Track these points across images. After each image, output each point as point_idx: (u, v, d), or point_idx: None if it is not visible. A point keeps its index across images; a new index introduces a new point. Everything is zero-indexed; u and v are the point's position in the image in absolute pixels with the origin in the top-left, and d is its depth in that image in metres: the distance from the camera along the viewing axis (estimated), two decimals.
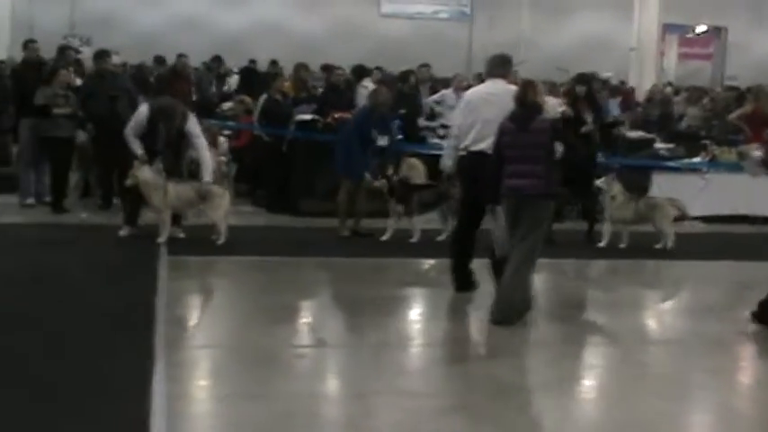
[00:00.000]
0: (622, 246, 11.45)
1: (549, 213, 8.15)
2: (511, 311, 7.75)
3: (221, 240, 10.75)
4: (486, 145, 8.27)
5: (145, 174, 10.61)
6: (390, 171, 11.72)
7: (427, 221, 11.66)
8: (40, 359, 6.50)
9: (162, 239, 10.50)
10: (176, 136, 10.85)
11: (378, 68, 17.83)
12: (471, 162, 8.51)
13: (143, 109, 10.97)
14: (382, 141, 11.58)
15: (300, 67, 16.05)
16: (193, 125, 11.02)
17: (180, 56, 16.80)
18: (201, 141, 11.00)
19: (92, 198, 13.41)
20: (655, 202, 11.86)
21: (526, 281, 7.87)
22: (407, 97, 15.64)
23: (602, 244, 11.46)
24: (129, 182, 10.69)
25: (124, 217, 11.17)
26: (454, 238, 8.99)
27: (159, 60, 20.12)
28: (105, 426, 5.35)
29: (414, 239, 11.36)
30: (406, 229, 11.49)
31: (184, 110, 11.05)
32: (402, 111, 14.96)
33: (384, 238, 11.34)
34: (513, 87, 8.29)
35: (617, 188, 11.54)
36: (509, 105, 7.99)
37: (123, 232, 10.96)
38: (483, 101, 8.52)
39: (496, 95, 8.42)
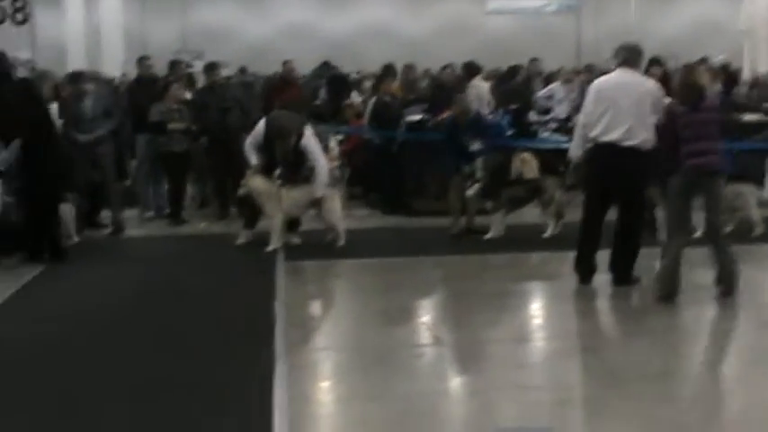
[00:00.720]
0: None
1: (723, 188, 8.47)
2: (675, 287, 8.09)
3: (341, 242, 10.89)
4: (618, 135, 8.30)
5: (256, 182, 10.78)
6: (480, 172, 11.63)
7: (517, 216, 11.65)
8: (165, 363, 6.74)
9: (272, 246, 10.66)
10: (293, 152, 10.97)
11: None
12: (602, 152, 8.44)
13: (261, 125, 11.14)
14: (475, 146, 11.53)
15: (408, 68, 16.13)
16: (309, 141, 11.03)
17: (285, 62, 16.74)
18: (318, 157, 10.97)
19: (209, 208, 13.71)
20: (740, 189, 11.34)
21: (730, 250, 8.20)
22: (517, 92, 15.62)
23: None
24: (241, 191, 10.90)
25: (243, 223, 11.38)
26: (580, 229, 8.82)
27: (242, 71, 20.35)
28: (230, 426, 5.47)
29: (489, 235, 11.25)
30: (516, 224, 11.46)
31: (301, 125, 11.04)
32: (513, 106, 14.94)
33: (488, 236, 11.30)
34: (645, 78, 8.75)
35: None
36: (644, 95, 8.33)
37: (241, 240, 11.17)
38: (615, 90, 8.44)
39: (630, 85, 8.44)
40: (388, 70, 15.36)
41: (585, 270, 8.67)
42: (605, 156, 8.43)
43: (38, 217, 10.24)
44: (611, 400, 5.95)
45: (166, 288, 9.33)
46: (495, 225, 11.35)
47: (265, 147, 11.00)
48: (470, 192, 11.45)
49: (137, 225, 12.85)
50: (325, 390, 6.34)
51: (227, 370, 6.55)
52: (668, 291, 8.06)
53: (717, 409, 5.78)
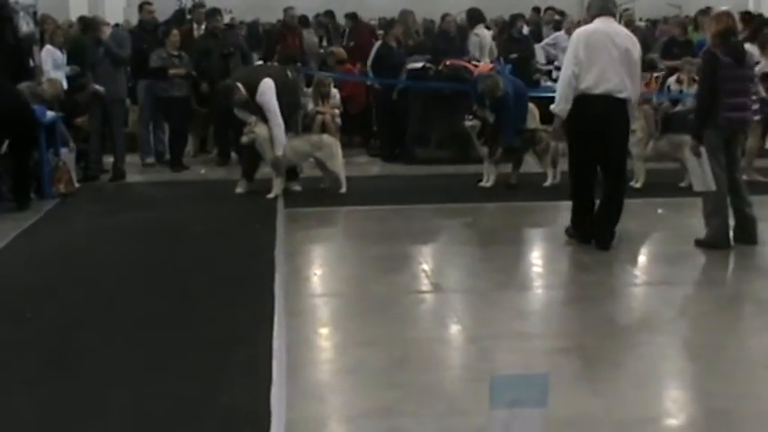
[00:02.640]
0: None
1: None
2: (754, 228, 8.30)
3: (342, 190, 10.88)
4: (612, 86, 8.01)
5: (261, 130, 10.74)
6: (482, 113, 11.55)
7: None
8: (165, 305, 6.82)
9: (274, 194, 10.66)
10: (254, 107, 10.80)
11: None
12: (596, 104, 8.05)
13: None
14: (491, 118, 11.45)
15: (407, 14, 15.89)
16: (263, 97, 10.67)
17: (287, 9, 16.60)
18: (272, 116, 10.66)
19: (209, 154, 13.69)
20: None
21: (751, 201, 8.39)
22: (518, 42, 15.51)
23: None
24: (245, 139, 10.81)
25: (241, 173, 11.35)
26: (574, 190, 8.48)
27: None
28: (229, 372, 5.49)
29: (484, 183, 11.29)
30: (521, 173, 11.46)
31: (258, 81, 10.69)
32: (514, 55, 14.85)
33: (483, 183, 11.30)
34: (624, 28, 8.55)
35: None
36: (632, 46, 8.12)
37: (240, 189, 11.15)
38: (605, 39, 8.08)
39: (619, 35, 8.19)
40: (402, 16, 15.21)
41: (588, 232, 8.41)
42: (599, 108, 8.06)
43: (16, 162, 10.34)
44: (610, 350, 5.97)
45: (166, 233, 9.34)
46: (490, 173, 11.32)
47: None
48: (469, 123, 11.42)
49: (137, 171, 12.84)
50: (323, 336, 6.34)
51: (226, 314, 6.59)
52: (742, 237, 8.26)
53: (718, 357, 5.77)
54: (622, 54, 8.05)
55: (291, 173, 11.24)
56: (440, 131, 13.45)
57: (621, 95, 8.07)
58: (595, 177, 8.42)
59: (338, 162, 11.03)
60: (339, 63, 14.75)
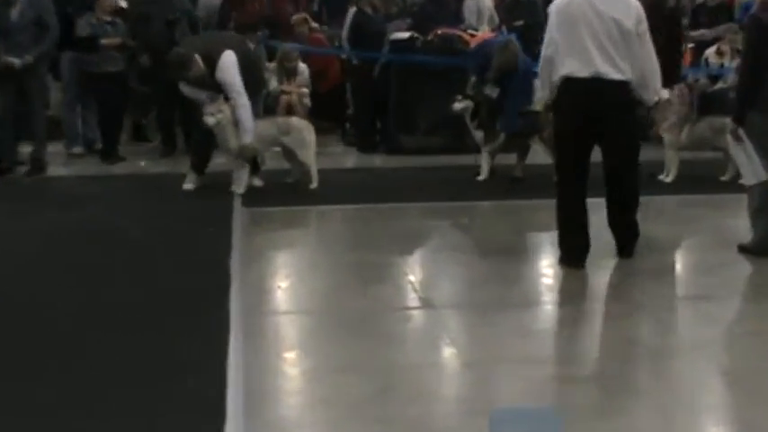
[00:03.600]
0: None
1: None
2: None
3: (314, 185, 10.94)
4: (600, 66, 7.76)
5: (228, 112, 10.67)
6: (472, 91, 11.66)
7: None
8: (100, 331, 6.70)
9: (240, 189, 10.72)
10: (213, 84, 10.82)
11: None
12: (580, 90, 7.86)
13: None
14: (494, 93, 11.53)
15: None
16: (224, 73, 10.64)
17: None
18: (236, 95, 10.67)
19: (150, 143, 13.69)
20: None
21: None
22: (524, 6, 15.57)
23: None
24: (211, 120, 10.61)
25: (191, 165, 11.37)
26: (560, 197, 8.20)
27: None
28: (176, 405, 5.46)
29: (480, 177, 11.41)
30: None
31: (218, 53, 10.66)
32: (518, 23, 14.93)
33: (480, 177, 11.40)
34: None
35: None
36: (625, 12, 7.82)
37: (189, 185, 11.15)
38: (586, 10, 7.79)
39: (605, 2, 7.83)
40: None
41: (580, 250, 8.14)
42: (587, 95, 7.86)
43: None
44: (633, 378, 6.00)
45: (96, 239, 9.31)
46: (485, 163, 11.40)
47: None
48: (458, 105, 11.50)
49: (61, 162, 12.84)
50: (289, 361, 6.34)
51: (169, 336, 6.56)
52: None
53: (764, 386, 5.81)
54: (608, 24, 7.77)
55: (252, 165, 11.27)
56: (429, 115, 13.48)
57: (615, 77, 7.83)
58: (586, 182, 8.15)
59: (310, 151, 11.10)
60: (310, 31, 14.78)
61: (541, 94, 8.28)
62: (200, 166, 11.29)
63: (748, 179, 8.30)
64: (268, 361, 6.23)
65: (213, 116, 10.60)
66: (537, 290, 8.03)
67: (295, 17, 15.24)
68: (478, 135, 11.48)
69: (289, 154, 11.20)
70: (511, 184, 11.33)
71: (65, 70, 13.19)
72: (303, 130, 11.15)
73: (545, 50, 8.07)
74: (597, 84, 7.82)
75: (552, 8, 8.08)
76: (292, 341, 6.75)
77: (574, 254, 8.11)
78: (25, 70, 11.99)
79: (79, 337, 6.59)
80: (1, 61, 11.88)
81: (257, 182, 11.26)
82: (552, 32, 7.99)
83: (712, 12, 15.05)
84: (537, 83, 12.45)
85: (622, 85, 7.90)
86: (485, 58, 11.75)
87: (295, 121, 11.46)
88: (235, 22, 14.20)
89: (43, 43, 12.16)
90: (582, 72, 7.81)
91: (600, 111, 7.91)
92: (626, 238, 8.27)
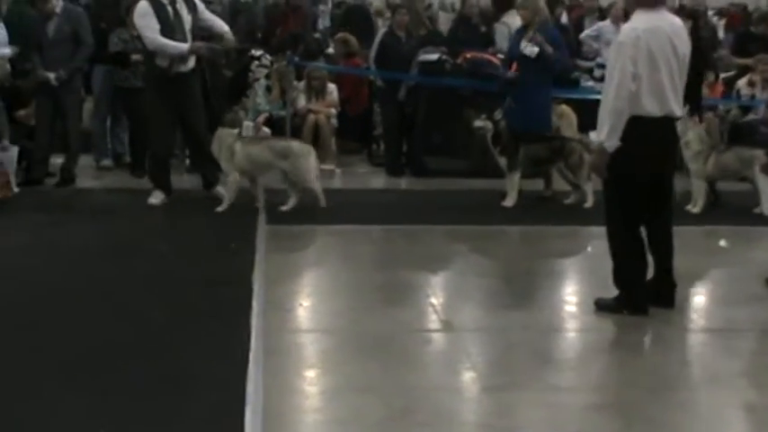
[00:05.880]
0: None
1: None
2: None
3: (322, 203, 10.89)
4: (672, 105, 7.35)
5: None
6: (500, 115, 11.61)
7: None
8: (121, 345, 6.70)
9: (222, 207, 10.72)
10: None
11: None
12: (656, 132, 7.34)
13: None
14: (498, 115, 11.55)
15: None
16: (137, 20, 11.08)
17: None
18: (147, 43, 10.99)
19: (178, 158, 13.68)
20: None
21: None
22: None
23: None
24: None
25: (156, 184, 11.38)
26: (622, 244, 7.66)
27: None
28: (195, 422, 5.47)
29: (506, 203, 11.34)
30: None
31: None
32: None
33: (506, 203, 11.36)
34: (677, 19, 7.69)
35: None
36: (687, 51, 7.45)
37: (155, 200, 11.21)
38: (668, 45, 7.27)
39: (678, 37, 7.38)
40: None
41: (647, 298, 7.65)
42: (661, 136, 7.41)
43: None
44: (656, 408, 5.93)
45: (121, 251, 9.33)
46: (511, 189, 11.34)
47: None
48: (479, 123, 11.48)
49: (91, 175, 12.87)
50: (309, 380, 6.32)
51: (190, 351, 6.56)
52: None
53: None
54: (680, 61, 7.41)
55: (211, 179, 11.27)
56: (456, 138, 13.43)
57: (678, 114, 7.58)
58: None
59: (312, 176, 10.92)
60: (349, 55, 14.78)
61: (614, 141, 7.23)
62: (161, 181, 11.30)
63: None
64: (287, 379, 6.22)
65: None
66: (559, 316, 7.95)
67: (336, 36, 15.22)
68: (502, 161, 11.43)
69: (289, 179, 11.03)
70: (540, 201, 11.34)
71: (96, 84, 13.22)
72: (301, 156, 10.89)
73: (628, 84, 7.15)
74: (668, 122, 7.45)
75: (628, 38, 7.24)
76: (312, 360, 6.71)
77: (642, 302, 7.61)
78: (61, 85, 12.05)
79: (101, 351, 6.58)
80: (37, 75, 11.95)
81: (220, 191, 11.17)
82: (636, 67, 7.15)
83: (758, 39, 14.95)
84: (568, 110, 12.54)
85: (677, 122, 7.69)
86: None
87: (295, 145, 11.19)
88: (277, 38, 14.21)
89: (78, 59, 12.24)
90: (656, 111, 7.30)
91: (667, 150, 7.66)
92: (670, 284, 7.81)
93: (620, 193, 7.53)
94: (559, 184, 11.71)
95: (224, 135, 10.86)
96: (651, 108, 7.26)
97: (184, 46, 10.88)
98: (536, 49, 11.50)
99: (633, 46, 7.18)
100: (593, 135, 7.33)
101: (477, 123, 11.53)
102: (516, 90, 11.68)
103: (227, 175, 10.90)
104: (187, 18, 11.00)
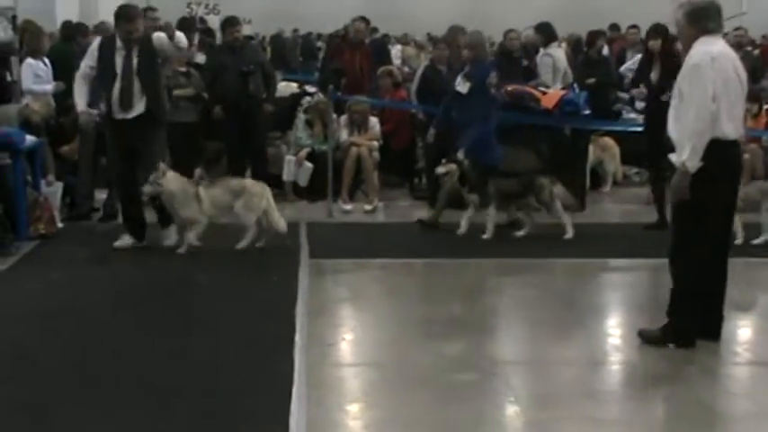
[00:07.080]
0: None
1: None
2: None
3: (287, 240, 10.75)
4: (741, 128, 7.50)
5: (174, 183, 10.56)
6: (461, 156, 11.58)
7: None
8: (164, 378, 6.76)
9: (182, 250, 10.55)
10: None
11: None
12: (733, 154, 7.43)
13: None
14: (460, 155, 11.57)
15: (457, 30, 15.77)
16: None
17: (355, 19, 16.21)
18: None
19: None
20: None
21: None
22: (596, 64, 15.52)
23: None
24: (148, 189, 10.46)
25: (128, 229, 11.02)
26: (692, 278, 7.50)
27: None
28: None
29: (485, 236, 11.30)
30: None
31: None
32: (590, 80, 14.86)
33: (459, 231, 11.43)
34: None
35: None
36: (745, 75, 7.51)
37: (122, 243, 10.83)
38: (732, 68, 7.35)
39: (739, 63, 7.53)
40: (451, 33, 15.09)
41: (696, 330, 7.57)
42: (736, 158, 7.55)
43: None
44: None
45: (165, 284, 9.43)
46: (488, 222, 11.38)
47: None
48: (440, 170, 11.52)
49: None
50: (351, 414, 6.32)
51: (233, 384, 6.58)
52: None
53: None
54: (744, 85, 7.51)
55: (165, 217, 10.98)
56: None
57: (743, 140, 7.70)
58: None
59: (252, 215, 10.60)
60: (394, 87, 14.82)
61: (696, 161, 7.14)
62: (131, 225, 10.94)
63: None
64: (331, 414, 6.22)
65: (151, 185, 10.44)
66: (603, 349, 7.91)
67: (381, 69, 15.27)
68: (473, 198, 11.41)
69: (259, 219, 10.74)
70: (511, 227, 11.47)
71: None
72: (255, 195, 10.63)
73: (708, 105, 7.13)
74: (738, 147, 7.53)
75: (704, 60, 7.21)
76: (356, 394, 6.72)
77: (691, 333, 7.53)
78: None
79: (146, 387, 6.61)
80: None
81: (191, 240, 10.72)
82: (716, 87, 7.17)
83: None
84: (611, 143, 12.50)
85: None
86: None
87: (249, 184, 11.01)
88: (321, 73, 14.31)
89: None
90: (732, 134, 7.32)
91: (739, 174, 7.70)
92: (719, 316, 7.69)
93: (695, 217, 7.41)
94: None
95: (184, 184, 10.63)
96: (727, 130, 7.26)
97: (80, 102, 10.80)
98: (468, 85, 11.52)
99: (710, 68, 7.19)
100: (672, 157, 7.24)
101: (440, 170, 11.56)
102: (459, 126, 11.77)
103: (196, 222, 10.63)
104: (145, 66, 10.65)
